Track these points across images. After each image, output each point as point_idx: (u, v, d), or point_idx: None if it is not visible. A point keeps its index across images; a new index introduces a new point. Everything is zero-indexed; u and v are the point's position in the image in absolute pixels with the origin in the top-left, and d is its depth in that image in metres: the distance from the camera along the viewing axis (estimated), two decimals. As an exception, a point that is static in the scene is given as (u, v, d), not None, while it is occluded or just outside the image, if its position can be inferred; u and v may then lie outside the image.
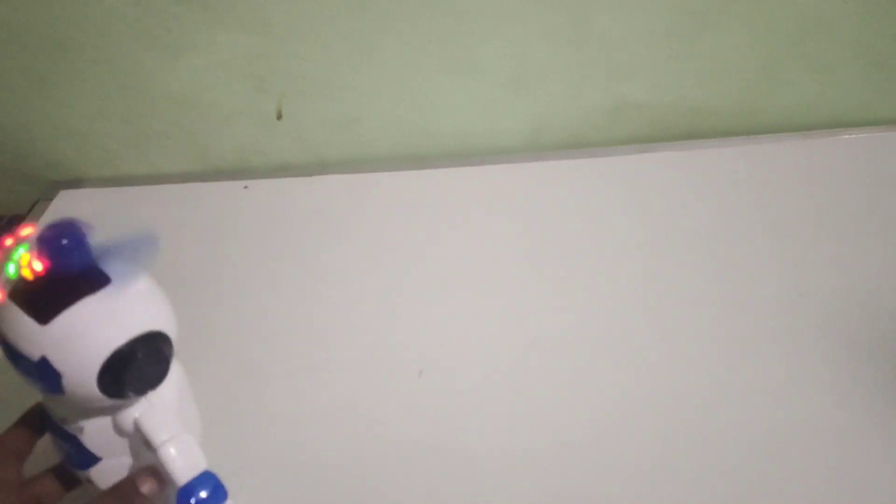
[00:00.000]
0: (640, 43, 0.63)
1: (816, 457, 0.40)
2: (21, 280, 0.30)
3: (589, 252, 0.56)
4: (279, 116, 0.66)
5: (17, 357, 0.30)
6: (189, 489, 0.32)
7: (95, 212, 0.63)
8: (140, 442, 0.33)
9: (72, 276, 0.30)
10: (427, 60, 0.63)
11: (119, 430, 0.33)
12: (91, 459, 0.34)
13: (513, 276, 0.54)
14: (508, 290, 0.53)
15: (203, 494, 0.32)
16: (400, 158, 0.70)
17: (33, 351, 0.29)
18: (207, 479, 0.32)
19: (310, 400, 0.46)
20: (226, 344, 0.51)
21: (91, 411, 0.33)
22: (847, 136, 0.66)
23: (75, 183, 0.69)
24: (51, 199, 0.67)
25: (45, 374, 0.29)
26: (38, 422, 0.36)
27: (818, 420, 0.42)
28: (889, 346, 0.46)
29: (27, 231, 0.30)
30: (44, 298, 0.29)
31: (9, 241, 0.30)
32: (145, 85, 0.64)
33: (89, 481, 0.35)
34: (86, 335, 0.29)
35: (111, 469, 0.34)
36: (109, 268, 0.31)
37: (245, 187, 0.66)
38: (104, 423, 0.33)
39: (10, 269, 0.29)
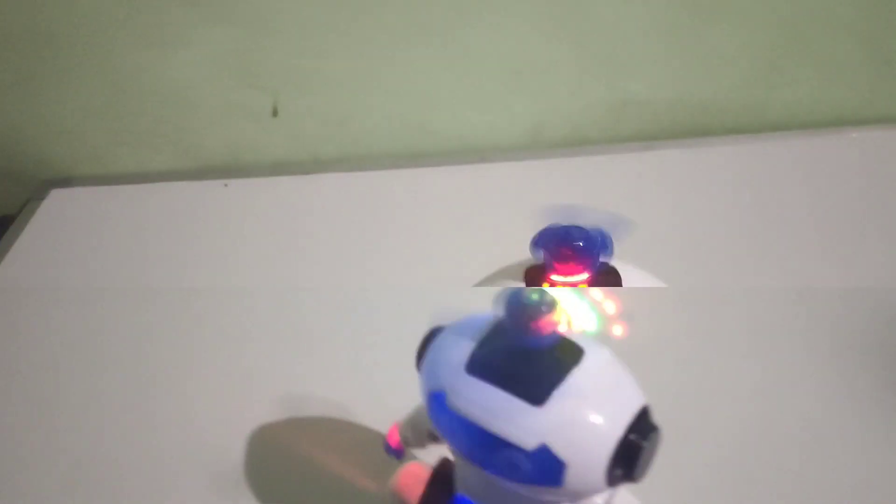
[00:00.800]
0: (642, 38, 0.62)
1: (811, 455, 0.40)
2: (491, 351, 0.26)
3: (590, 252, 0.55)
4: (275, 113, 0.66)
5: (495, 445, 0.24)
6: None
7: (87, 211, 0.64)
8: None
9: (548, 346, 0.25)
10: (425, 56, 0.62)
11: None
12: None
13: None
14: (508, 290, 0.53)
15: None
16: (397, 156, 0.69)
17: (528, 439, 0.24)
18: None
19: (309, 401, 0.46)
20: (221, 345, 0.50)
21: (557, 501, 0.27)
22: (854, 135, 0.65)
23: (66, 182, 0.69)
24: (42, 199, 0.66)
25: (543, 465, 0.24)
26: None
27: (815, 419, 0.42)
28: (892, 347, 0.45)
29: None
30: (530, 373, 0.25)
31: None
32: (136, 82, 0.63)
33: None
34: (589, 417, 0.24)
35: None
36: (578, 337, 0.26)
37: (225, 185, 0.65)
38: None
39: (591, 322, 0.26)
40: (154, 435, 0.44)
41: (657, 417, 0.42)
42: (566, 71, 0.64)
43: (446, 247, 0.57)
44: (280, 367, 0.49)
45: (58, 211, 0.65)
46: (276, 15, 0.59)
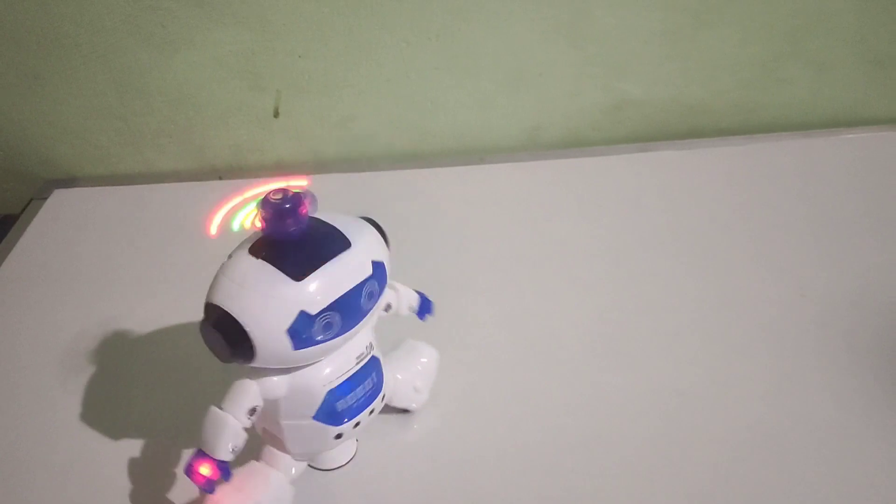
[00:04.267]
0: (638, 41, 0.62)
1: (815, 455, 0.40)
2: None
3: (588, 252, 0.55)
4: (276, 114, 0.66)
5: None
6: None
7: (90, 211, 0.64)
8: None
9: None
10: (425, 58, 0.62)
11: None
12: None
13: (511, 276, 0.54)
14: (507, 289, 0.53)
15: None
16: (397, 157, 0.69)
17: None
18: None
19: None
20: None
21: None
22: (846, 136, 0.66)
23: (70, 182, 0.69)
24: (45, 198, 0.66)
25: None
26: None
27: (817, 419, 0.42)
28: (889, 345, 0.46)
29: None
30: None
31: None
32: (140, 82, 0.63)
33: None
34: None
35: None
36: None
37: (220, 178, 0.66)
38: None
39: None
40: (155, 435, 0.44)
41: (659, 421, 0.43)
42: (564, 73, 0.64)
43: (446, 247, 0.57)
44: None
45: (61, 210, 0.65)
46: (278, 17, 0.59)
